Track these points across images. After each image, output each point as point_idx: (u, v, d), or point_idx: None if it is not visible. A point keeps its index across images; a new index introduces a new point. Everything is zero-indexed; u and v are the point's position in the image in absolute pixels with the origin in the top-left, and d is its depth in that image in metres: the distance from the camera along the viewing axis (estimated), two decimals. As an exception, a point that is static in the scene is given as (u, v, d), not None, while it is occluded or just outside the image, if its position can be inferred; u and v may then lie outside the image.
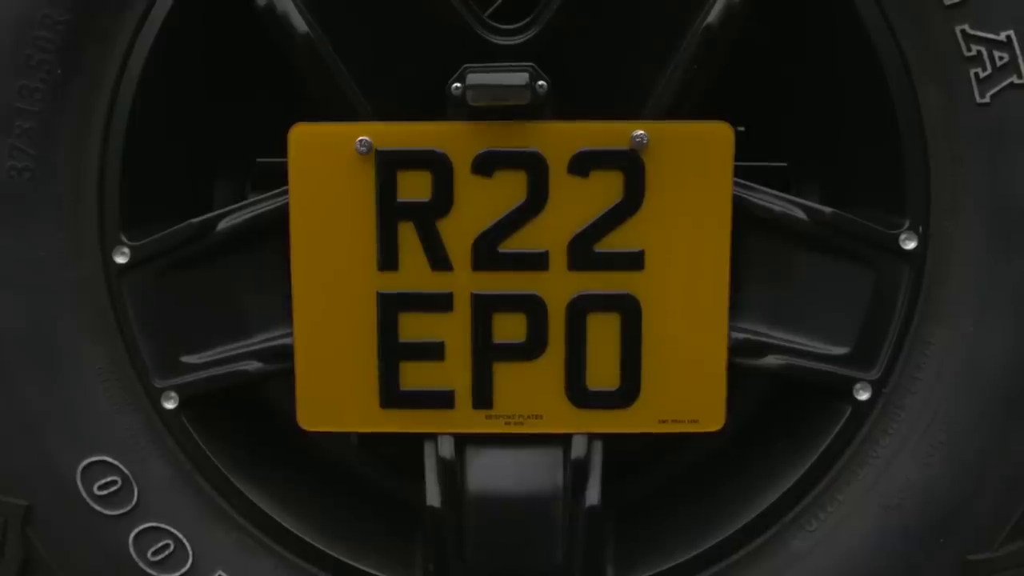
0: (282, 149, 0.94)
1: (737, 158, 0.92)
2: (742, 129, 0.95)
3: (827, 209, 0.94)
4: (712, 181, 0.89)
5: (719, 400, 0.93)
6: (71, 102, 0.91)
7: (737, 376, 0.95)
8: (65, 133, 0.91)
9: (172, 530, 0.95)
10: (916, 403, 0.92)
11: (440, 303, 0.92)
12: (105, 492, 0.95)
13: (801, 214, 0.93)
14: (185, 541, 0.95)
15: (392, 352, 0.93)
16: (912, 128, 0.90)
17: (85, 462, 0.94)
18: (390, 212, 0.90)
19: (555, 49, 0.91)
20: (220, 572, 0.95)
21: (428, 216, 0.90)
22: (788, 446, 0.99)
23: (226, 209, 0.97)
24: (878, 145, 0.93)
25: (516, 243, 0.91)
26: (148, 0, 0.91)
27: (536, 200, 0.90)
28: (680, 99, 0.90)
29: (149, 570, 0.94)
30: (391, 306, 0.92)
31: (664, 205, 0.89)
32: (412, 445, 0.98)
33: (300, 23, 0.89)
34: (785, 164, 1.05)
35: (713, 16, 0.88)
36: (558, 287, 0.92)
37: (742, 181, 0.93)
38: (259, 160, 1.07)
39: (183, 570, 0.94)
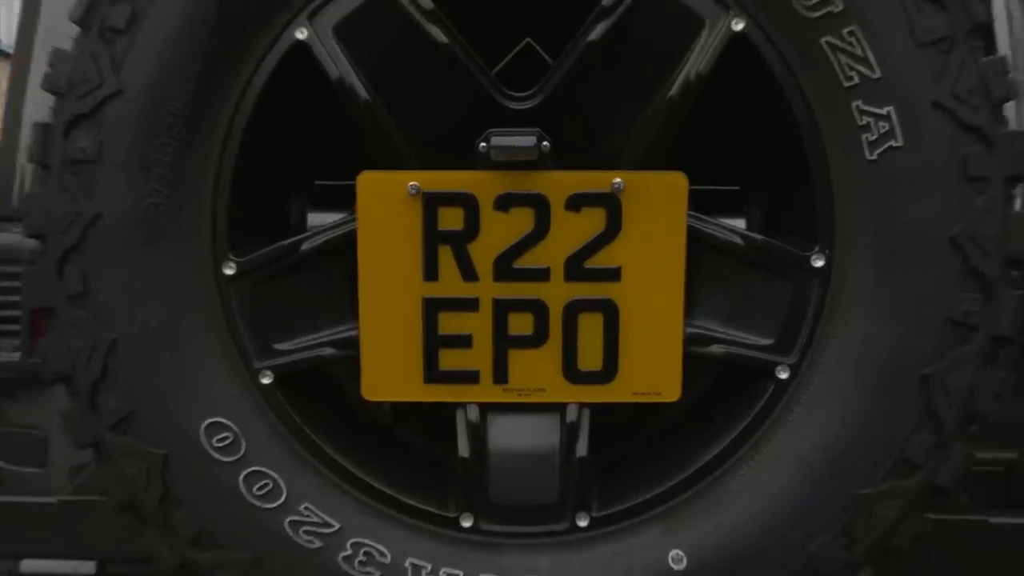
0: (333, 175, 1.29)
1: (707, 183, 1.25)
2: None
3: (758, 236, 1.26)
4: (671, 215, 1.20)
5: (676, 378, 1.24)
6: (192, 153, 1.22)
7: (690, 361, 1.25)
8: (188, 177, 1.22)
9: (271, 472, 1.24)
10: (821, 381, 1.22)
11: (469, 305, 1.23)
12: (221, 444, 1.24)
13: (739, 240, 1.25)
14: (280, 481, 1.24)
15: (433, 342, 1.24)
16: (822, 178, 1.20)
17: (206, 422, 1.24)
18: (432, 238, 1.21)
19: (554, 113, 1.21)
20: (306, 504, 1.24)
21: (461, 241, 1.21)
22: (728, 413, 1.29)
23: (307, 234, 1.28)
24: (798, 189, 1.23)
25: (526, 261, 1.21)
26: (248, 77, 1.21)
27: (541, 229, 1.20)
28: (651, 152, 1.21)
29: (254, 502, 1.24)
30: (432, 307, 1.23)
31: (636, 233, 1.20)
32: (436, 417, 1.30)
33: (363, 93, 1.20)
34: (738, 188, 1.36)
35: (675, 90, 1.19)
36: (557, 294, 1.22)
37: (695, 214, 1.23)
38: (317, 183, 1.38)
39: (279, 502, 1.24)
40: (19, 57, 1.84)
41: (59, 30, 1.51)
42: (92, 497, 1.46)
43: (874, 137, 1.15)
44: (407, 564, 1.22)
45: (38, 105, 1.64)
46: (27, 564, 1.59)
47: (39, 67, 1.75)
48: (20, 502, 1.59)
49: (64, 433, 1.28)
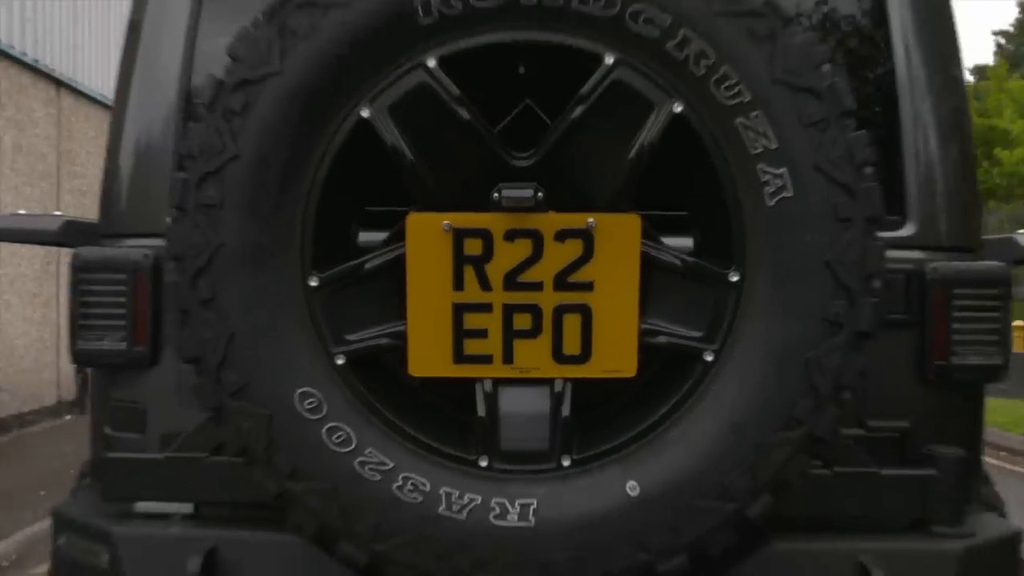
0: (380, 201, 1.73)
1: (663, 208, 1.73)
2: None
3: (691, 258, 1.72)
4: (629, 245, 1.65)
5: (633, 360, 1.69)
6: (287, 198, 1.64)
7: (643, 348, 1.69)
8: (284, 216, 1.64)
9: (344, 427, 1.65)
10: (735, 362, 1.65)
11: (485, 308, 1.66)
12: (309, 407, 1.64)
13: (678, 261, 1.71)
14: (351, 433, 1.65)
15: (459, 334, 1.66)
16: (737, 217, 1.64)
17: (299, 391, 1.65)
18: (460, 260, 1.65)
19: (546, 170, 1.65)
20: (370, 449, 1.65)
21: (479, 263, 1.65)
22: (669, 385, 1.72)
23: (369, 256, 1.71)
24: (720, 224, 1.67)
25: (526, 277, 1.65)
26: (327, 142, 1.63)
27: (536, 255, 1.64)
28: (616, 198, 1.66)
29: (333, 448, 1.64)
30: (459, 310, 1.66)
31: (603, 257, 1.64)
32: (461, 388, 1.72)
33: (408, 155, 1.64)
34: (686, 212, 1.81)
35: (633, 153, 1.63)
36: (548, 300, 1.65)
37: (647, 242, 1.67)
38: (367, 208, 1.80)
39: (350, 448, 1.65)
40: (119, 107, 2.25)
41: (151, 85, 2.18)
42: (190, 454, 1.90)
43: (772, 189, 1.60)
44: (440, 491, 1.64)
45: (136, 148, 2.18)
46: (140, 505, 2.00)
47: (135, 115, 2.20)
48: (135, 458, 1.99)
49: (177, 404, 1.90)
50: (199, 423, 1.86)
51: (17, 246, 8.75)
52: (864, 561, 1.81)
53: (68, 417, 9.67)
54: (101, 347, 2.04)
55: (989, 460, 8.58)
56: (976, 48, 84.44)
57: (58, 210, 9.59)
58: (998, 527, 2.01)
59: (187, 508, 1.98)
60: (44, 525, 5.73)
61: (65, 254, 8.99)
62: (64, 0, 9.78)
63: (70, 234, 2.29)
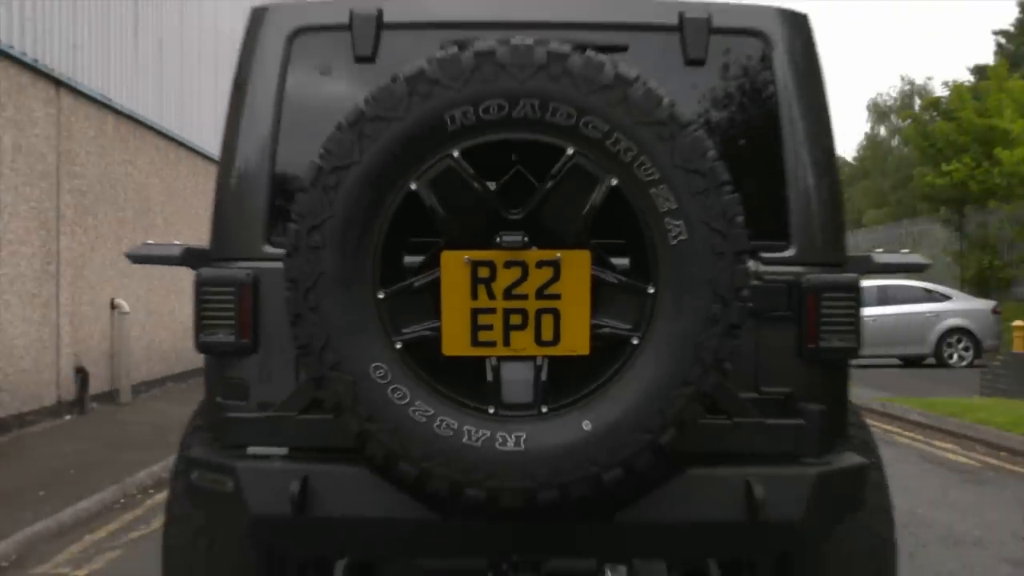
0: (420, 232, 2.41)
1: (608, 244, 2.45)
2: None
3: (623, 278, 2.43)
4: (582, 270, 2.37)
5: (586, 343, 2.39)
6: (365, 242, 2.37)
7: (593, 336, 2.38)
8: (363, 253, 2.37)
9: (402, 387, 2.36)
10: (652, 345, 2.37)
11: (491, 311, 2.37)
12: (380, 375, 2.36)
13: (615, 280, 2.43)
14: (407, 391, 2.35)
15: (475, 327, 2.37)
16: (653, 251, 2.36)
17: (372, 364, 2.36)
18: (475, 280, 2.36)
19: (530, 221, 2.36)
20: (419, 401, 2.35)
21: (488, 282, 2.36)
22: (609, 360, 2.40)
23: (416, 278, 2.42)
24: (643, 255, 2.40)
25: (517, 291, 2.37)
26: (389, 205, 2.36)
27: (524, 277, 2.36)
28: (577, 239, 2.37)
29: (395, 401, 2.36)
30: (475, 312, 2.37)
31: (567, 278, 2.36)
32: (477, 363, 2.40)
33: (440, 211, 2.36)
34: (624, 246, 2.50)
35: (586, 210, 2.35)
36: (532, 306, 2.37)
37: (596, 267, 2.38)
38: (411, 239, 2.47)
39: (406, 401, 2.34)
40: (226, 156, 2.98)
41: (251, 139, 2.95)
42: (286, 413, 2.62)
43: (674, 234, 2.34)
44: (464, 428, 2.36)
45: (239, 191, 2.93)
46: (251, 449, 2.68)
47: (239, 166, 2.95)
48: (247, 417, 2.74)
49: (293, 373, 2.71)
50: (292, 391, 2.65)
51: (17, 245, 8.76)
52: (750, 480, 2.52)
53: (68, 417, 9.68)
54: (216, 340, 2.78)
55: (989, 460, 8.60)
56: (976, 48, 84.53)
57: (56, 210, 9.59)
58: (849, 460, 2.74)
59: (283, 451, 2.68)
60: (44, 525, 5.75)
61: (65, 255, 8.96)
62: (64, 0, 9.79)
63: (187, 258, 2.97)
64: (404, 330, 2.41)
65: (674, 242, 2.34)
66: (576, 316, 2.38)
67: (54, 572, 5.07)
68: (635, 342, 2.38)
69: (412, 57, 2.44)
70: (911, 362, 17.92)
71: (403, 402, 2.36)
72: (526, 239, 2.36)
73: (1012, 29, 37.44)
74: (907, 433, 9.96)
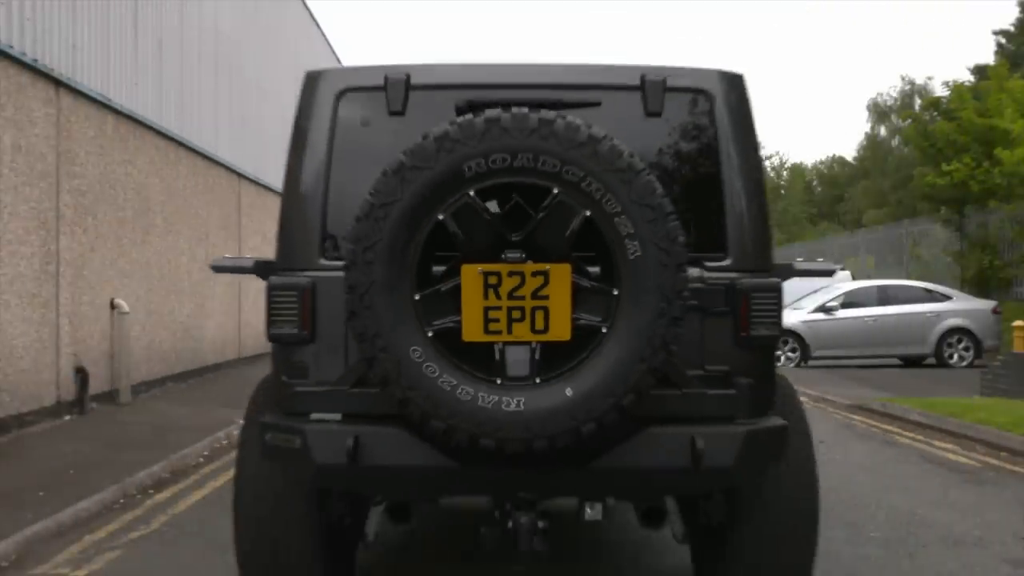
0: (445, 250, 3.22)
1: (586, 258, 3.24)
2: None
3: (596, 283, 3.22)
4: (565, 278, 3.18)
5: (568, 332, 3.18)
6: (405, 258, 3.18)
7: (573, 327, 3.18)
8: (405, 265, 3.18)
9: (433, 364, 3.15)
10: (616, 333, 3.16)
11: (498, 308, 3.19)
12: (416, 355, 3.17)
13: (589, 285, 3.21)
14: (437, 367, 3.14)
15: (486, 320, 3.17)
16: (617, 265, 3.17)
17: (411, 347, 3.15)
18: (486, 286, 3.18)
19: (527, 241, 3.16)
20: (445, 375, 3.15)
21: (496, 287, 3.19)
22: (584, 342, 3.20)
23: (443, 284, 3.20)
24: (609, 267, 3.20)
25: (517, 293, 3.18)
26: (424, 230, 3.17)
27: (522, 283, 3.17)
28: (562, 254, 3.17)
29: (429, 375, 3.16)
30: (486, 309, 3.18)
31: (554, 284, 3.17)
32: (488, 347, 3.18)
33: (461, 235, 3.17)
34: (595, 259, 3.27)
35: (568, 233, 3.16)
36: (528, 304, 3.18)
37: (576, 276, 3.18)
38: (439, 256, 3.22)
39: (436, 374, 3.14)
40: (291, 188, 3.74)
41: (310, 174, 3.68)
42: (341, 387, 3.45)
43: (631, 252, 3.13)
44: (478, 395, 3.13)
45: (300, 216, 3.71)
46: (314, 415, 3.48)
47: (301, 195, 3.71)
48: (309, 390, 3.52)
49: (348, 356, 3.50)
50: (344, 372, 3.48)
51: (16, 245, 8.75)
52: (694, 437, 3.30)
53: (67, 417, 9.67)
54: (283, 332, 3.56)
55: (990, 460, 8.58)
56: (976, 48, 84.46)
57: (55, 210, 9.58)
58: (773, 422, 3.54)
59: (338, 416, 3.45)
60: (44, 525, 5.74)
61: (64, 255, 8.95)
62: (63, 0, 9.78)
63: (259, 269, 3.83)
64: (434, 322, 3.20)
65: (632, 257, 3.14)
66: (560, 312, 3.18)
67: (54, 572, 5.06)
68: (604, 331, 3.19)
69: (433, 112, 3.45)
70: (911, 362, 17.92)
71: (433, 375, 3.14)
72: (523, 255, 3.16)
73: (1012, 29, 37.41)
74: (907, 433, 9.95)
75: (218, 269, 4.22)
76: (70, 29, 9.94)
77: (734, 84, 3.77)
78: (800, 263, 4.33)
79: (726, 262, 3.61)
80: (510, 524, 3.54)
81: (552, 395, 3.14)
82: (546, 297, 3.16)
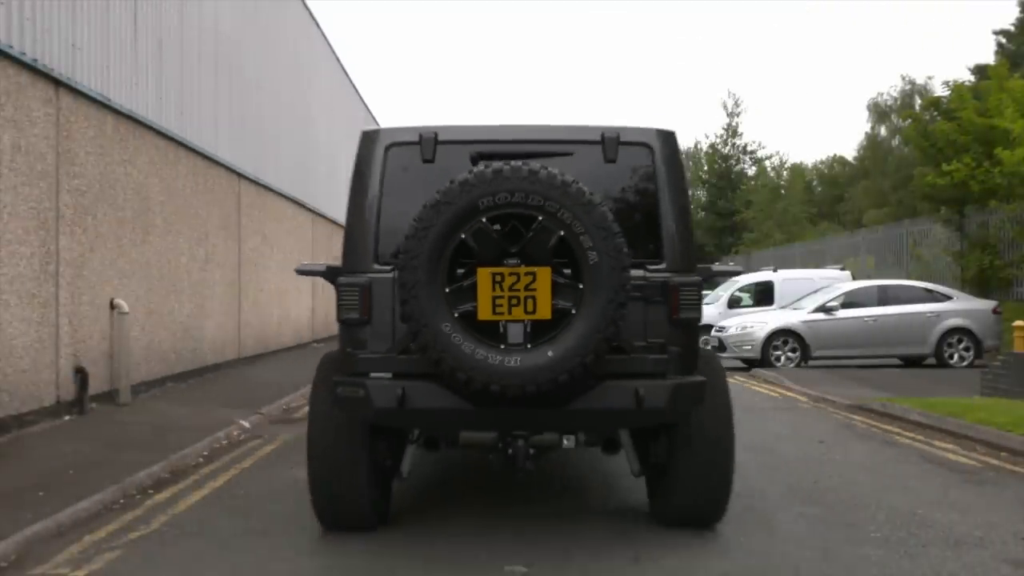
0: (467, 258, 4.83)
1: (562, 262, 4.85)
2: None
3: (569, 280, 4.79)
4: (546, 278, 4.74)
5: (549, 313, 4.74)
6: (441, 263, 4.73)
7: (552, 309, 4.76)
8: (439, 268, 4.74)
9: (458, 335, 4.73)
10: (581, 313, 4.73)
11: (502, 297, 4.74)
12: (447, 328, 4.73)
13: (564, 281, 4.78)
14: (461, 337, 4.74)
15: (494, 306, 4.74)
16: (581, 268, 4.74)
17: (443, 324, 4.70)
18: (494, 283, 4.75)
19: (524, 252, 4.76)
20: (467, 341, 4.70)
21: (501, 283, 4.74)
22: (559, 321, 4.77)
23: (466, 281, 4.79)
24: (577, 270, 4.78)
25: (515, 287, 4.73)
26: (452, 245, 4.73)
27: (518, 280, 4.74)
28: (547, 259, 4.74)
29: (455, 342, 4.71)
30: (494, 298, 4.74)
31: (539, 282, 4.74)
32: (495, 324, 4.76)
33: (477, 248, 4.75)
34: (566, 264, 4.84)
35: (550, 246, 4.75)
36: (522, 294, 4.73)
37: (555, 275, 4.75)
38: (462, 262, 4.79)
39: (461, 343, 4.71)
40: (354, 215, 5.37)
41: (366, 206, 5.36)
42: (391, 355, 5.09)
43: (592, 259, 4.68)
44: (488, 355, 4.66)
45: (358, 235, 5.38)
46: (372, 374, 5.01)
47: (361, 220, 5.37)
48: (369, 356, 5.10)
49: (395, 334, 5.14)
50: (392, 344, 5.03)
51: (16, 245, 8.74)
52: (637, 388, 4.82)
53: (67, 418, 9.67)
54: (349, 317, 5.15)
55: (990, 460, 8.55)
56: (976, 48, 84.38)
57: (55, 209, 9.57)
58: (694, 378, 5.10)
59: (389, 375, 4.98)
60: (44, 525, 5.73)
61: (64, 255, 8.94)
62: None
63: (329, 272, 5.47)
64: (458, 307, 4.75)
65: (592, 263, 4.69)
66: (544, 299, 4.71)
67: (53, 572, 5.06)
68: (573, 312, 4.75)
69: (454, 160, 5.13)
70: (912, 362, 17.91)
71: (458, 343, 4.68)
72: (518, 262, 4.73)
73: (1012, 28, 37.40)
74: (908, 433, 9.94)
75: (300, 272, 6.02)
76: (70, 29, 9.93)
77: (668, 139, 5.44)
78: (716, 266, 6.36)
79: (662, 266, 5.27)
80: (510, 452, 5.16)
81: (539, 356, 4.70)
82: (534, 290, 4.70)
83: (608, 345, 4.71)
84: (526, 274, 4.67)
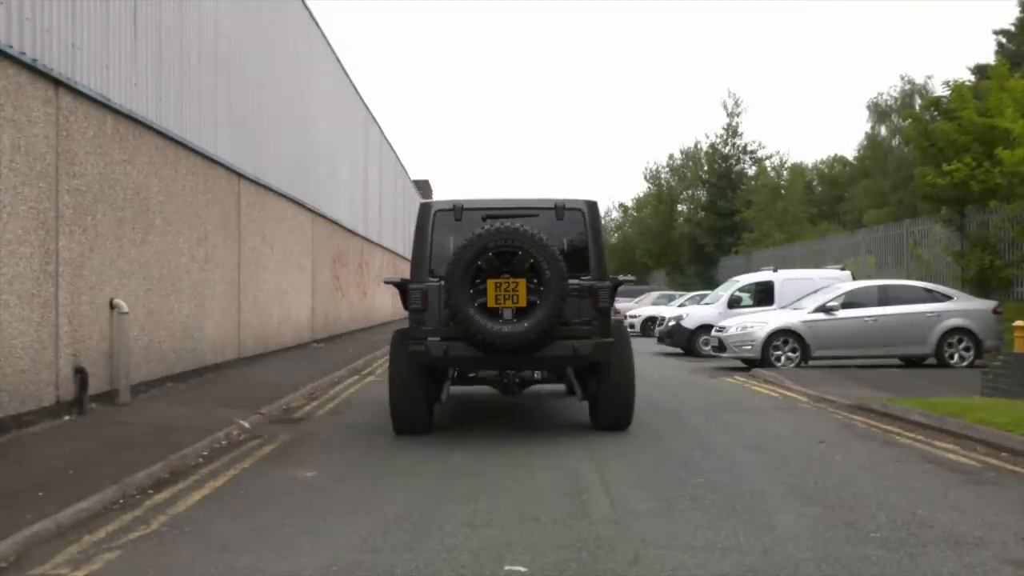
0: (481, 274, 9.45)
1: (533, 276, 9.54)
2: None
3: (534, 286, 9.34)
4: (523, 285, 9.40)
5: (524, 303, 9.49)
6: (465, 280, 9.29)
7: (528, 303, 9.39)
8: (460, 280, 9.23)
9: (477, 316, 9.23)
10: (542, 304, 9.32)
11: (500, 296, 9.38)
12: (472, 312, 9.34)
13: (533, 287, 9.38)
14: (478, 317, 9.20)
15: (496, 300, 9.34)
16: (543, 279, 9.35)
17: (470, 309, 9.25)
18: (496, 288, 9.40)
19: (511, 271, 9.32)
20: (482, 319, 9.25)
21: (500, 287, 9.41)
22: (532, 308, 9.39)
23: (481, 286, 9.36)
24: (540, 280, 9.31)
25: (507, 290, 9.38)
26: (472, 261, 9.30)
27: (509, 286, 9.37)
28: (523, 275, 9.33)
29: (477, 320, 9.24)
30: (496, 295, 9.35)
31: (519, 287, 9.36)
32: (496, 311, 9.33)
33: (487, 269, 9.32)
34: (535, 278, 9.50)
35: (525, 267, 9.29)
36: (511, 294, 9.36)
37: (529, 284, 9.40)
38: (478, 277, 9.40)
39: (477, 320, 9.29)
40: (418, 256, 9.80)
41: (424, 249, 9.86)
42: (441, 328, 9.56)
43: (547, 275, 9.13)
44: (493, 327, 9.17)
45: (419, 266, 9.85)
46: (429, 338, 9.54)
47: (421, 256, 9.85)
48: (428, 328, 9.57)
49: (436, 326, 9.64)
50: (440, 322, 9.45)
51: (16, 245, 8.74)
52: (574, 344, 9.48)
53: (67, 418, 9.66)
54: (415, 307, 9.49)
55: (990, 460, 8.53)
56: (976, 48, 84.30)
57: (55, 209, 9.57)
58: (607, 339, 9.59)
59: (439, 338, 9.45)
60: (43, 526, 5.73)
61: (64, 255, 8.93)
62: (63, -1, 9.77)
63: (400, 283, 10.03)
64: (477, 300, 9.17)
65: (547, 276, 9.04)
66: (522, 296, 9.16)
67: (53, 573, 5.05)
68: (537, 303, 9.13)
69: (473, 219, 9.57)
70: (912, 362, 17.91)
71: (477, 320, 9.06)
72: (509, 276, 9.20)
73: (1013, 28, 37.39)
74: (908, 433, 9.94)
75: (387, 282, 10.79)
76: (69, 29, 9.93)
77: (592, 206, 9.89)
78: (621, 277, 10.44)
79: (587, 277, 9.52)
80: (505, 382, 10.38)
81: (519, 326, 9.05)
82: (517, 291, 9.17)
83: (558, 320, 9.18)
84: (513, 283, 9.18)
